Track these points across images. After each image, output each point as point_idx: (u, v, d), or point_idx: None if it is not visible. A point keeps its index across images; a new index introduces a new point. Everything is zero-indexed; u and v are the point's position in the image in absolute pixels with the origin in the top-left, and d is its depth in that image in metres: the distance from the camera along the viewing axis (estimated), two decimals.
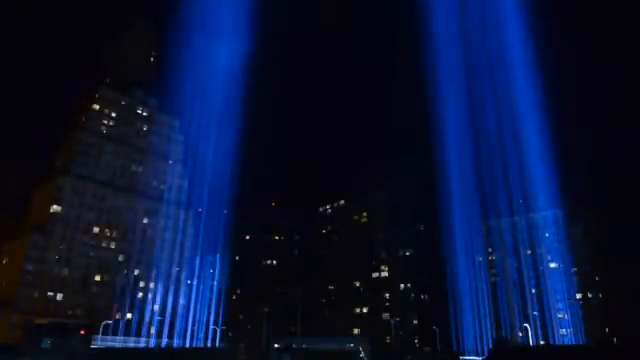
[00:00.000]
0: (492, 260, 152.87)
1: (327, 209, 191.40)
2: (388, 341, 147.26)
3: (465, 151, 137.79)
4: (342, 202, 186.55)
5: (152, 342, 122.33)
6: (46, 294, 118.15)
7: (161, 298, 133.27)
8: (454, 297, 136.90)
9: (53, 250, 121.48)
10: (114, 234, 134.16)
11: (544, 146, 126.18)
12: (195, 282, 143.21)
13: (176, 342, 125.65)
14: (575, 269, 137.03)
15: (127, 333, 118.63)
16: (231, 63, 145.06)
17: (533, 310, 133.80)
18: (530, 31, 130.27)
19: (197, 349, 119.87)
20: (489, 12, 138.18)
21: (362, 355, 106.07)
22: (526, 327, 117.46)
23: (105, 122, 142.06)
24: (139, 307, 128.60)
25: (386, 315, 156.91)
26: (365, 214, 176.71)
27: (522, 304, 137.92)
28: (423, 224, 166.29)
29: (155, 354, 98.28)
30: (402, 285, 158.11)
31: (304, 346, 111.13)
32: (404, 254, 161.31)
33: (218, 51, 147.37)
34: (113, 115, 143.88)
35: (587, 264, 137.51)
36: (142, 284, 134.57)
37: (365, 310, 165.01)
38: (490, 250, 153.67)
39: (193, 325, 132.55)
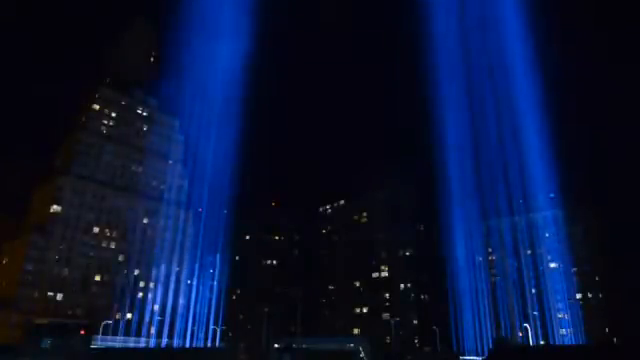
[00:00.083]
0: (492, 260, 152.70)
1: (327, 209, 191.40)
2: (388, 341, 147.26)
3: (465, 151, 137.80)
4: (342, 202, 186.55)
5: (152, 342, 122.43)
6: (46, 294, 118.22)
7: (161, 298, 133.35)
8: (454, 297, 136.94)
9: (53, 250, 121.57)
10: (114, 234, 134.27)
11: (544, 145, 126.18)
12: (195, 282, 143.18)
13: (176, 342, 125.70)
14: (575, 269, 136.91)
15: (127, 333, 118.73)
16: (231, 63, 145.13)
17: (533, 310, 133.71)
18: (530, 29, 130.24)
19: (197, 349, 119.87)
20: (489, 11, 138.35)
21: (362, 355, 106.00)
22: (526, 327, 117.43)
23: (105, 122, 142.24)
24: (139, 307, 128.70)
25: (386, 315, 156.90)
26: (365, 214, 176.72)
27: (522, 304, 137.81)
28: (423, 224, 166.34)
29: (155, 354, 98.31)
30: (402, 285, 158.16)
31: (304, 346, 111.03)
32: (404, 254, 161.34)
33: (218, 51, 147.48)
34: (113, 115, 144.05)
35: (587, 264, 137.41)
36: (142, 284, 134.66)
37: (365, 310, 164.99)
38: (490, 250, 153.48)
39: (193, 325, 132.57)
